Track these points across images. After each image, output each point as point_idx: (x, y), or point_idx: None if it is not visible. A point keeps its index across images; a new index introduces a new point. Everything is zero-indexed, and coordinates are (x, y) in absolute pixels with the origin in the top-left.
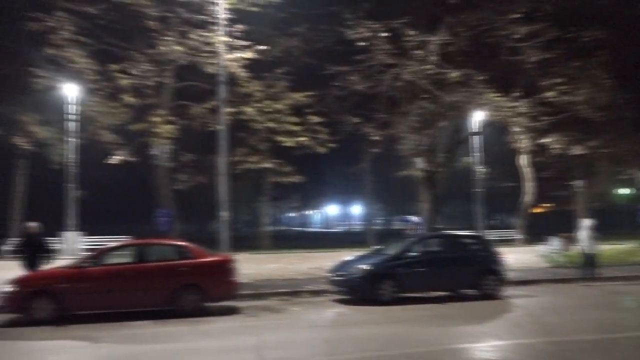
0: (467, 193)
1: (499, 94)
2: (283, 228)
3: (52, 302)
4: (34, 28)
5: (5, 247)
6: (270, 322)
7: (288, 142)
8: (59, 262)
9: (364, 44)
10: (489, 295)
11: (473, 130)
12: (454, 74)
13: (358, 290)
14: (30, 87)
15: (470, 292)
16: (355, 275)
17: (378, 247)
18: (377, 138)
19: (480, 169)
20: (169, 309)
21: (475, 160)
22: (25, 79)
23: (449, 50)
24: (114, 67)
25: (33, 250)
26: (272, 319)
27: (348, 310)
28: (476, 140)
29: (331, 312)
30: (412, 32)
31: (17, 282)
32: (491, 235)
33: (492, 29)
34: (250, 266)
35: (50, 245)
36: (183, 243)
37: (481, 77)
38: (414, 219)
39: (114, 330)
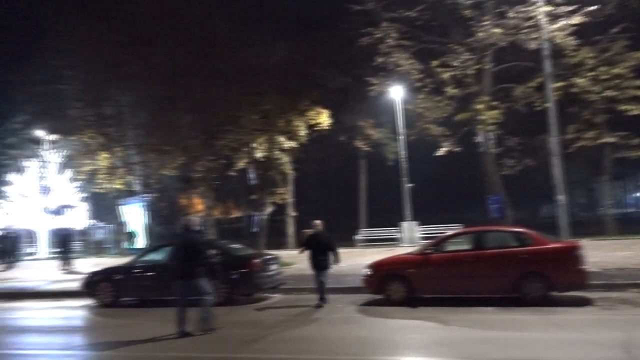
0: None
1: None
2: (630, 210)
3: (403, 286)
4: (365, 42)
5: (358, 237)
6: (633, 317)
7: (634, 110)
8: (399, 250)
9: None
10: None
11: None
12: None
13: None
14: (365, 95)
15: None
16: None
17: None
18: None
19: None
20: (512, 296)
21: None
22: (361, 88)
23: None
24: (434, 62)
25: (319, 247)
26: (634, 314)
27: None
28: None
29: None
30: None
31: (372, 266)
32: None
33: None
34: (595, 253)
35: (335, 243)
36: (522, 229)
37: None
38: None
39: (461, 314)
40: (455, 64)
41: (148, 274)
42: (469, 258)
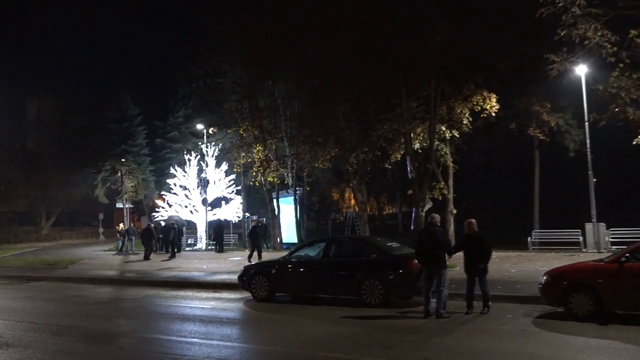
0: None
1: None
2: None
3: (590, 298)
4: (545, 14)
5: (531, 240)
6: None
7: None
8: (582, 256)
9: None
10: None
11: None
12: None
13: None
14: (541, 76)
15: None
16: None
17: None
18: None
19: None
20: None
21: None
22: (537, 68)
23: None
24: (633, 32)
25: (473, 248)
26: None
27: None
28: None
29: None
30: None
31: (551, 274)
32: None
33: None
34: None
35: (490, 245)
36: None
37: None
38: None
39: None
40: None
41: (302, 270)
42: None
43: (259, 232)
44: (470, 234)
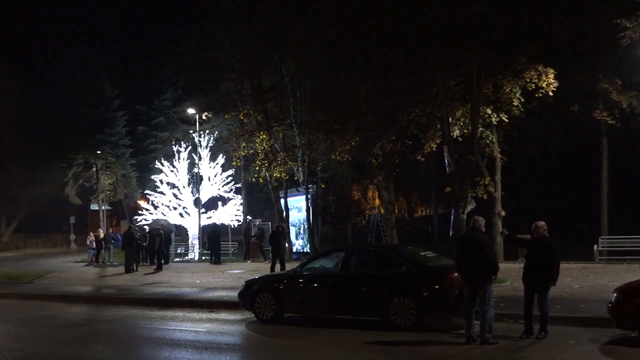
0: None
1: None
2: None
3: None
4: None
5: (598, 248)
6: None
7: None
8: None
9: None
10: None
11: None
12: None
13: None
14: (610, 46)
15: None
16: None
17: None
18: None
19: None
20: None
21: None
22: (603, 37)
23: None
24: None
25: (539, 258)
26: None
27: None
28: None
29: None
30: None
31: (623, 290)
32: None
33: None
34: None
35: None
36: None
37: None
38: None
39: None
40: None
41: (317, 285)
42: None
43: (280, 238)
44: (538, 239)
